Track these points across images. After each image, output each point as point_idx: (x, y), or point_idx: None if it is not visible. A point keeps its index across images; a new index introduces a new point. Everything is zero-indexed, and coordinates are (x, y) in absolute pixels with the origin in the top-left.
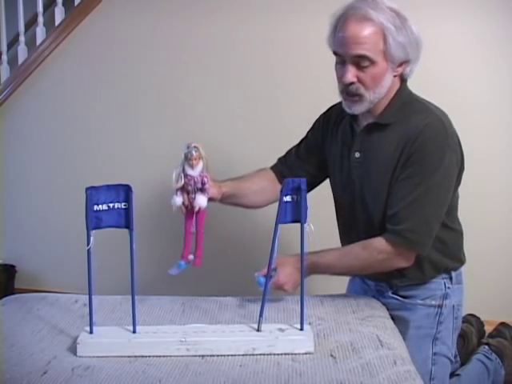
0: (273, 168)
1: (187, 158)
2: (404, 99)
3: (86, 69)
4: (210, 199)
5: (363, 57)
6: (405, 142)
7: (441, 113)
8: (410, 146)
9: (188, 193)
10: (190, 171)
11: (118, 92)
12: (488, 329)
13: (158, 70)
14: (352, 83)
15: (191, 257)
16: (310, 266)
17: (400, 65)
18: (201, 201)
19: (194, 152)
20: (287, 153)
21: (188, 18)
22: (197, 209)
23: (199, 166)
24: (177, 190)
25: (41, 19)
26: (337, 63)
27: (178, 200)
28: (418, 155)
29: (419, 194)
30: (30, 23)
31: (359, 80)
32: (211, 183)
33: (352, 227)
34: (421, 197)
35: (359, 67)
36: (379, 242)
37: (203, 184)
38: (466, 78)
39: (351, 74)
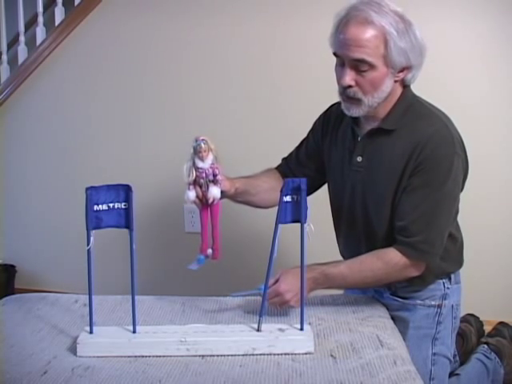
0: (278, 168)
1: (196, 151)
2: (407, 103)
3: (86, 69)
4: (224, 192)
5: (363, 61)
6: (412, 150)
7: (445, 117)
8: (418, 155)
9: (200, 186)
10: (200, 164)
11: (118, 92)
12: (487, 329)
13: (158, 70)
14: (350, 86)
15: (210, 251)
16: (320, 277)
17: (401, 70)
18: (214, 192)
19: (202, 144)
20: (289, 155)
21: (188, 18)
22: (211, 200)
23: (209, 158)
24: (189, 184)
25: (41, 19)
26: (337, 65)
27: (192, 194)
28: (427, 164)
29: (431, 204)
30: (30, 23)
31: (357, 84)
32: (224, 177)
33: (350, 232)
34: (433, 207)
35: (358, 71)
36: (394, 254)
37: (215, 175)
38: (466, 78)
39: (349, 78)
